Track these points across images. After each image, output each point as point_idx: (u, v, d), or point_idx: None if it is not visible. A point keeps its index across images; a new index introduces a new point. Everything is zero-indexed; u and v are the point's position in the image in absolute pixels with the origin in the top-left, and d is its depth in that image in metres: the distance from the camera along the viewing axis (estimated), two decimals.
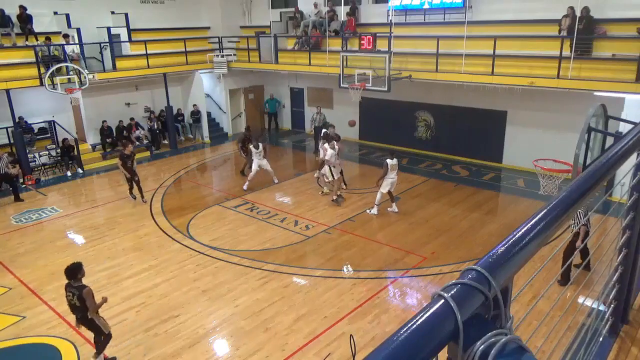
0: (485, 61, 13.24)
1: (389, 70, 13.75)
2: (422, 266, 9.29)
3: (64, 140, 15.69)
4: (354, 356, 5.14)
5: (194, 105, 19.56)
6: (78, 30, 16.33)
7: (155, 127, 18.64)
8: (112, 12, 17.87)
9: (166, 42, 18.55)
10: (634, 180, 2.99)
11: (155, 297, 8.39)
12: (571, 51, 12.09)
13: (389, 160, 11.31)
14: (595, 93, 11.55)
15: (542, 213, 1.56)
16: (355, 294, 8.30)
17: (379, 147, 17.76)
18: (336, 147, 12.09)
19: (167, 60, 18.18)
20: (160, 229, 11.31)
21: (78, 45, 16.19)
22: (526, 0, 13.76)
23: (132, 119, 18.05)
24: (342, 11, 17.05)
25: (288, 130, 21.65)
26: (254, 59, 19.13)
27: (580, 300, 6.94)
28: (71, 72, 15.21)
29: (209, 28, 20.73)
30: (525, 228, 1.45)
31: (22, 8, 15.30)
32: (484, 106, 15.14)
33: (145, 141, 18.23)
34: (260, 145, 13.51)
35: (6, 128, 15.06)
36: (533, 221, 1.50)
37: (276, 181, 14.09)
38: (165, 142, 19.14)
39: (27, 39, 15.48)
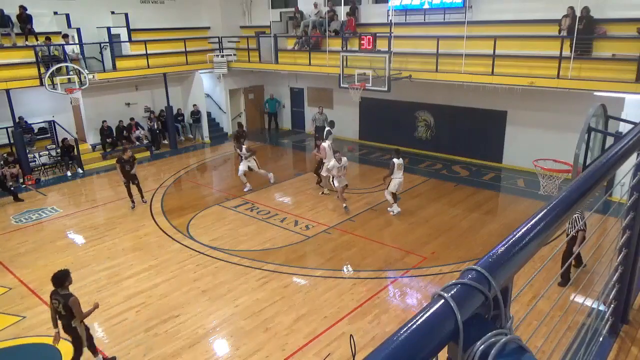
0: (485, 61, 13.24)
1: (389, 70, 13.76)
2: (422, 266, 9.29)
3: (64, 140, 15.70)
4: (354, 356, 5.13)
5: (194, 105, 19.56)
6: (78, 30, 16.33)
7: (155, 127, 18.65)
8: (112, 12, 17.87)
9: (166, 42, 18.56)
10: (634, 180, 2.99)
11: (155, 297, 8.39)
12: (571, 51, 12.09)
13: (395, 160, 11.24)
14: (595, 93, 11.55)
15: (542, 213, 1.56)
16: (355, 294, 8.30)
17: (379, 147, 17.77)
18: (342, 160, 11.66)
19: (167, 60, 18.18)
20: (160, 229, 11.31)
21: (78, 45, 16.20)
22: (526, 0, 13.76)
23: (132, 119, 18.05)
24: (342, 11, 17.05)
25: (288, 130, 21.65)
26: (254, 59, 19.14)
27: (580, 300, 6.93)
28: (71, 72, 15.21)
29: (209, 28, 20.74)
30: (525, 228, 1.45)
31: (22, 8, 15.31)
32: (484, 106, 15.14)
33: (145, 141, 18.23)
34: (243, 147, 13.37)
35: (6, 128, 15.06)
36: (533, 221, 1.50)
37: (272, 181, 13.99)
38: (165, 142, 19.14)
39: (27, 39, 15.48)
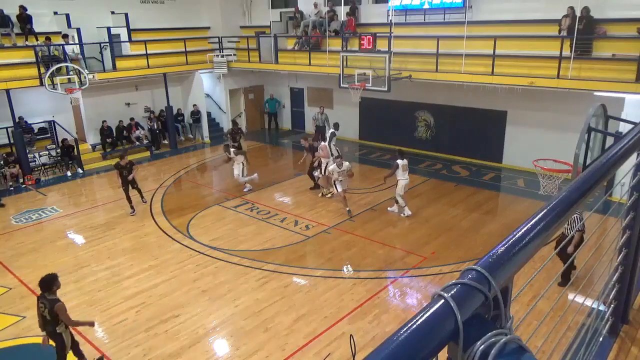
0: (485, 61, 13.24)
1: (389, 70, 13.76)
2: (422, 266, 9.29)
3: (64, 140, 15.70)
4: (354, 356, 5.13)
5: (194, 105, 19.56)
6: (78, 30, 16.33)
7: (155, 127, 18.64)
8: (112, 12, 17.87)
9: (166, 42, 18.56)
10: (634, 180, 2.99)
11: (155, 297, 8.39)
12: (571, 51, 12.09)
13: (399, 161, 11.11)
14: (595, 93, 11.55)
15: (542, 213, 1.56)
16: (355, 294, 8.30)
17: (379, 147, 17.77)
18: (344, 165, 11.48)
19: (167, 60, 18.18)
20: (160, 229, 11.31)
21: (78, 45, 16.20)
22: (526, 0, 13.76)
23: (132, 119, 18.05)
24: (342, 11, 17.05)
25: (288, 130, 21.65)
26: (254, 59, 19.14)
27: (580, 300, 6.93)
28: (71, 72, 15.22)
29: (209, 28, 20.74)
30: (525, 228, 1.45)
31: (22, 8, 15.32)
32: (484, 106, 15.14)
33: (145, 141, 18.22)
34: (232, 150, 13.21)
35: (6, 128, 15.06)
36: (533, 221, 1.50)
37: (249, 187, 13.56)
38: (165, 142, 19.14)
39: (27, 39, 15.49)
